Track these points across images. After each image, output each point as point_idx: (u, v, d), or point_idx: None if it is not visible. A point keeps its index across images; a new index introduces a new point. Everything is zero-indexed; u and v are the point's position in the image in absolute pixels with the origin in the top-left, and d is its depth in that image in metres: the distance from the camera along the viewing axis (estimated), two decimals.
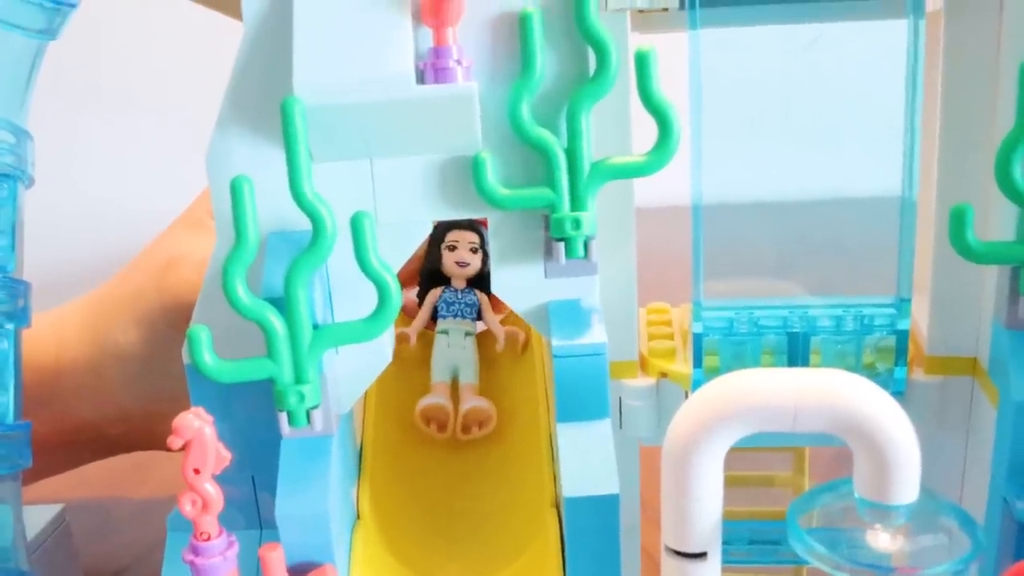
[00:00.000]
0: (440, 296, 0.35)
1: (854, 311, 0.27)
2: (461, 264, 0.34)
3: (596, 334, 0.25)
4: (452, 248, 0.35)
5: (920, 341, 0.30)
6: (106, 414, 0.41)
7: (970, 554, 0.21)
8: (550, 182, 0.25)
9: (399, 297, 0.24)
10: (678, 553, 0.23)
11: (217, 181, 0.26)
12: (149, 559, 0.46)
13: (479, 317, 0.35)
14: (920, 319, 0.30)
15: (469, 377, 0.33)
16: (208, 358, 0.24)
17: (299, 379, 0.24)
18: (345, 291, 0.26)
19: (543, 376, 0.32)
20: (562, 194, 0.25)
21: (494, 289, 0.27)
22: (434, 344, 0.34)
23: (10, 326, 0.29)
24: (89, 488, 0.51)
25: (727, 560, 0.26)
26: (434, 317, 0.35)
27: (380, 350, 0.26)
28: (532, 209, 0.25)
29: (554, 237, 0.25)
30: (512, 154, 0.26)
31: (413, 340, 0.35)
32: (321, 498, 0.24)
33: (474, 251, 0.35)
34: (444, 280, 0.35)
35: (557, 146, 0.25)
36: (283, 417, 0.25)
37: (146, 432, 0.42)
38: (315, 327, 0.24)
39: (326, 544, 0.24)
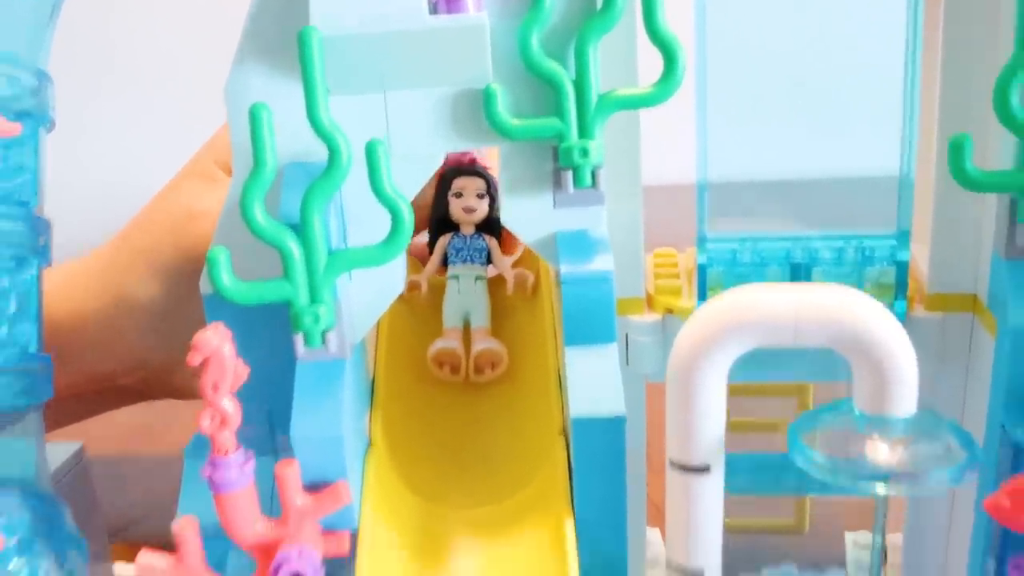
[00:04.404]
0: (449, 242, 0.36)
1: (855, 242, 0.27)
2: (468, 210, 0.35)
3: (603, 261, 0.26)
4: (459, 195, 0.35)
5: (922, 280, 0.30)
6: (124, 364, 0.42)
7: (966, 462, 0.22)
8: (559, 112, 0.26)
9: (412, 223, 0.25)
10: (682, 467, 0.24)
11: (235, 112, 0.26)
12: (162, 512, 0.47)
13: (489, 262, 0.36)
14: (922, 261, 0.30)
15: (480, 320, 0.34)
16: (227, 279, 0.25)
17: (314, 300, 0.25)
18: (359, 224, 0.27)
19: (552, 317, 0.33)
20: (570, 124, 0.26)
21: (504, 220, 0.27)
22: (446, 290, 0.35)
23: (33, 260, 0.30)
24: (101, 445, 0.52)
25: (730, 488, 0.26)
26: (445, 264, 0.36)
27: (392, 279, 0.27)
28: (541, 139, 0.26)
29: (563, 166, 0.26)
30: (521, 86, 0.26)
31: (424, 287, 0.36)
32: (335, 418, 0.25)
33: (480, 196, 0.35)
34: (453, 227, 0.36)
35: (566, 77, 0.25)
36: (299, 339, 0.26)
37: (162, 382, 0.43)
38: (330, 252, 0.25)
39: (339, 463, 0.25)
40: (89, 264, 0.42)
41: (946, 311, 0.29)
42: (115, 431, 0.52)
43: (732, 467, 0.27)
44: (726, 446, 0.24)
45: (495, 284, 0.36)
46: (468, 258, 0.35)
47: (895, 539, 0.36)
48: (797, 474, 0.28)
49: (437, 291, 0.37)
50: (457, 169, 0.36)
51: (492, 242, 0.36)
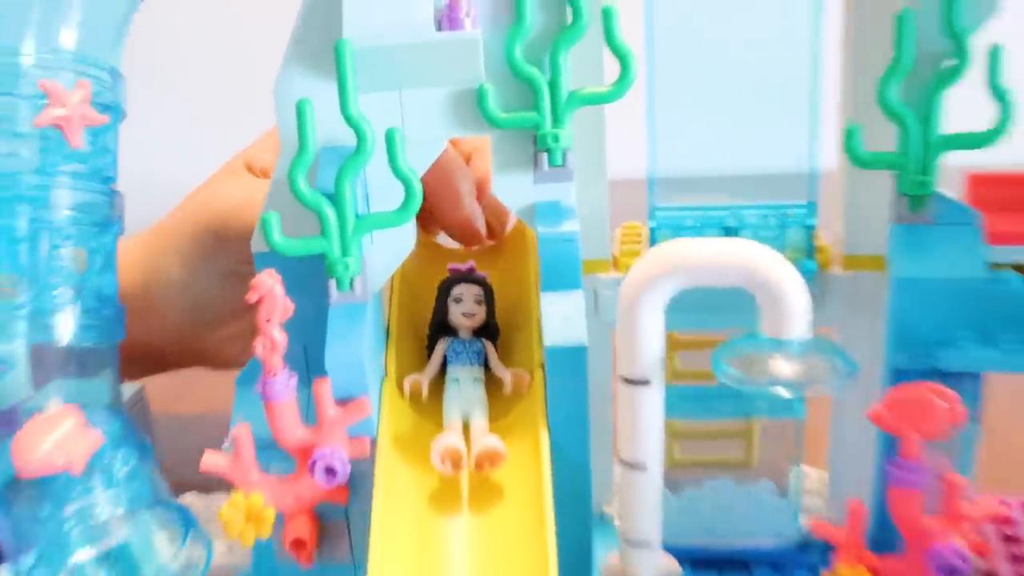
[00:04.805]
0: (449, 345, 0.37)
1: (775, 210, 0.34)
2: (467, 315, 0.37)
3: (571, 225, 0.33)
4: (458, 301, 0.37)
5: (840, 246, 0.37)
6: (156, 334, 0.48)
7: (846, 372, 0.28)
8: (536, 107, 0.32)
9: (421, 195, 0.32)
10: (628, 380, 0.30)
11: (283, 105, 0.33)
12: (188, 463, 0.53)
13: (486, 365, 0.37)
14: (840, 230, 0.37)
15: (480, 419, 0.34)
16: (278, 237, 0.31)
17: (345, 253, 0.32)
18: (379, 194, 0.34)
19: (536, 276, 0.39)
20: (545, 115, 0.32)
21: (495, 192, 0.34)
22: (445, 390, 0.36)
23: (112, 227, 0.36)
24: None
25: (677, 413, 0.33)
26: (442, 367, 0.37)
27: (404, 239, 0.34)
28: (523, 128, 0.33)
29: (540, 149, 0.33)
30: (508, 86, 0.33)
31: (425, 390, 0.36)
32: (360, 345, 0.32)
33: (479, 303, 0.37)
34: (452, 332, 0.37)
35: (542, 79, 0.32)
36: (332, 284, 0.32)
37: (196, 349, 0.50)
38: (357, 216, 0.32)
39: (362, 381, 0.32)
40: (143, 241, 0.49)
41: (857, 270, 0.36)
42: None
43: (679, 396, 0.33)
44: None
45: (496, 256, 0.42)
46: (468, 360, 0.36)
47: (824, 474, 0.42)
48: (730, 402, 0.35)
49: (439, 257, 0.43)
50: (457, 277, 0.38)
51: (489, 346, 0.37)
